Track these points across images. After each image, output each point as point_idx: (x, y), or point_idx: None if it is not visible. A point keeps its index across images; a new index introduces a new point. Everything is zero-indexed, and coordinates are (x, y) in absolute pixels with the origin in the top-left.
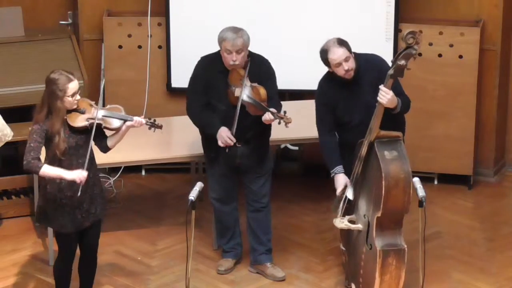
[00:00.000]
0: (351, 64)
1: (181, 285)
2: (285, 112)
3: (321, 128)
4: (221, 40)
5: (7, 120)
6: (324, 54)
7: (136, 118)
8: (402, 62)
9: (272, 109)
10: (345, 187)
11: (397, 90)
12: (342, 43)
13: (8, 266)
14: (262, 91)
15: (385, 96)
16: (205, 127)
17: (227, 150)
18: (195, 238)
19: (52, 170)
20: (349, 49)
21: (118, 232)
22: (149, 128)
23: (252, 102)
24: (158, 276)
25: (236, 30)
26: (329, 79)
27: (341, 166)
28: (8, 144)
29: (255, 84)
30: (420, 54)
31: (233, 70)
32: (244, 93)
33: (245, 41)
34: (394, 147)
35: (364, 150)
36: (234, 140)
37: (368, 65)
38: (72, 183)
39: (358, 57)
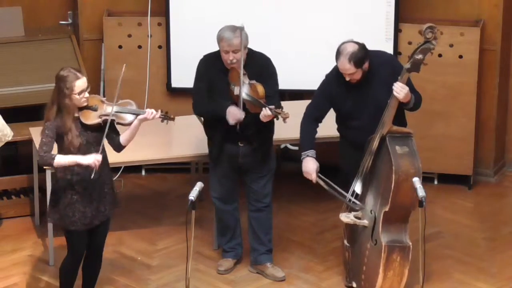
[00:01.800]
0: (355, 77)
1: (181, 285)
2: (282, 107)
3: (309, 113)
4: (219, 40)
5: (7, 120)
6: (336, 54)
7: (148, 110)
8: (420, 56)
9: (270, 106)
10: (317, 173)
11: (410, 87)
12: (352, 59)
13: (8, 266)
14: (260, 89)
15: (402, 90)
16: (214, 112)
17: (238, 127)
18: (195, 238)
19: (66, 158)
20: (358, 65)
21: (118, 232)
22: (162, 121)
23: (250, 99)
24: (158, 276)
25: (234, 29)
26: (340, 74)
27: (315, 151)
28: (8, 144)
29: (253, 82)
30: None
31: (233, 69)
32: (243, 91)
33: (242, 41)
34: (406, 143)
35: (375, 144)
36: (244, 113)
37: (381, 62)
38: (83, 179)
39: (371, 54)
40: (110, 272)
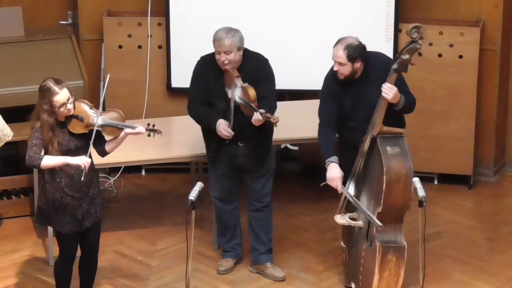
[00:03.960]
0: (343, 71)
1: (181, 285)
2: (274, 111)
3: (322, 118)
4: (213, 40)
5: (7, 120)
6: (335, 42)
7: (137, 128)
8: (406, 56)
9: (261, 110)
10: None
11: (403, 89)
12: (346, 49)
13: (8, 266)
14: (251, 92)
15: (390, 91)
16: (204, 122)
17: (227, 142)
18: (195, 238)
19: (55, 159)
20: (350, 58)
21: (118, 232)
22: (148, 135)
23: (243, 102)
24: (158, 276)
25: (228, 31)
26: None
27: (337, 157)
28: (8, 144)
29: (246, 85)
30: (420, 54)
31: (227, 71)
32: (236, 94)
33: (234, 42)
34: (397, 143)
35: (366, 145)
36: (232, 133)
37: (378, 64)
38: (72, 182)
39: (369, 55)
40: (110, 272)
